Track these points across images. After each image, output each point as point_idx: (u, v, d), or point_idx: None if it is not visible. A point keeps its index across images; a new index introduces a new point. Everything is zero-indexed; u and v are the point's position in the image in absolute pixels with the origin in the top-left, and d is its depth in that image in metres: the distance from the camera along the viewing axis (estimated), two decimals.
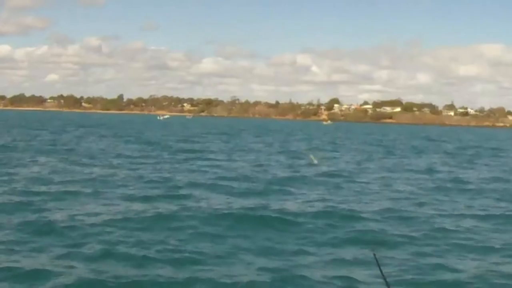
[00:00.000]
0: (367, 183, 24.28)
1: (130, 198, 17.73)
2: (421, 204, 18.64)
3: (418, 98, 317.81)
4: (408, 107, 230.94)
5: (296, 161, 33.79)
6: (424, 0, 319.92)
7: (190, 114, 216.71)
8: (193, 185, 21.34)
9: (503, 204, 19.62)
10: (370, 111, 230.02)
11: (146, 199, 17.71)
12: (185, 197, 18.36)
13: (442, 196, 21.01)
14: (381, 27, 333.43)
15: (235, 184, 21.83)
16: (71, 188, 19.38)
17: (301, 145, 52.75)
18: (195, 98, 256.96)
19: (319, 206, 17.49)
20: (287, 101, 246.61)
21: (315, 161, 32.69)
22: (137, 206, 16.32)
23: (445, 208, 18.20)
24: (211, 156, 35.97)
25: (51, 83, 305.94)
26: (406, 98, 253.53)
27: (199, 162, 31.07)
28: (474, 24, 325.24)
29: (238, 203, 17.35)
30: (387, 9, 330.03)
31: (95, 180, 21.55)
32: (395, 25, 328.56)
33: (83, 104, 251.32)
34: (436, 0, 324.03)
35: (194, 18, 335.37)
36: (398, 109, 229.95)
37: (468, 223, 15.88)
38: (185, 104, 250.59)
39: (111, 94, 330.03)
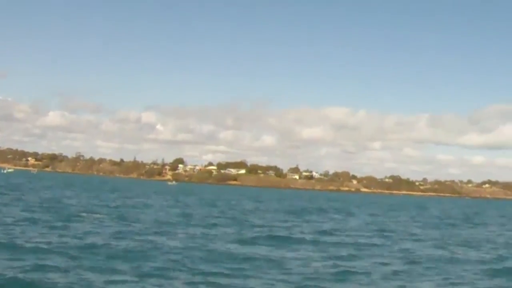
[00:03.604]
0: None
1: None
2: None
3: (263, 160, 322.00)
4: (252, 169, 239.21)
5: None
6: (273, 60, 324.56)
7: (34, 169, 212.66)
8: None
9: None
10: (214, 172, 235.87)
11: None
12: None
13: None
14: (227, 86, 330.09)
15: None
16: None
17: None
18: (40, 152, 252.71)
19: None
20: (132, 159, 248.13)
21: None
22: None
23: None
24: None
25: None
26: (251, 160, 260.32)
27: None
28: (320, 87, 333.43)
29: None
30: (233, 67, 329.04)
31: None
32: (241, 85, 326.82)
33: None
34: (285, 61, 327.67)
35: (41, 68, 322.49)
36: (243, 171, 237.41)
37: None
38: (29, 158, 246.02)
39: None
